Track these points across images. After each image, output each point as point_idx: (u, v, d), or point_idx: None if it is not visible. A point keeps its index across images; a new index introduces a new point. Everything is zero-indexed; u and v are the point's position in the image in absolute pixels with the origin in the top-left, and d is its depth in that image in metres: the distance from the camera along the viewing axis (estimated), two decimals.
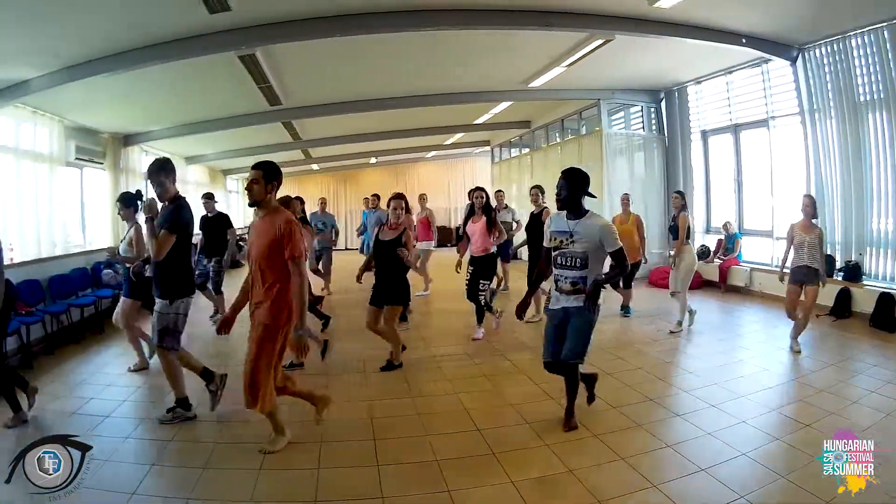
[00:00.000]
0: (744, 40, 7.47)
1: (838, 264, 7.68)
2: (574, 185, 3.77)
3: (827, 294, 7.27)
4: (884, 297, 6.79)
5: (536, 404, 4.49)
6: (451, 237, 18.18)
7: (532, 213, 6.92)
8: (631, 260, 7.28)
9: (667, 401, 4.53)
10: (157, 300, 4.13)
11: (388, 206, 5.53)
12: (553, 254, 3.85)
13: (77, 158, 9.15)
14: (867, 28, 6.97)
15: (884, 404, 4.29)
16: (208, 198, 8.07)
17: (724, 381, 4.94)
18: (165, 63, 6.52)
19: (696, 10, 6.53)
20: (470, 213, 6.69)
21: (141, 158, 11.19)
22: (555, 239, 3.84)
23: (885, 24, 6.74)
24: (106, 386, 5.05)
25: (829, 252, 7.76)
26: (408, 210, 6.29)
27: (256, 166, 3.56)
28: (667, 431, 3.94)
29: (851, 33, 7.19)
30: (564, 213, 3.84)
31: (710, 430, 3.90)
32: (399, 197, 5.52)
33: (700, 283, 9.68)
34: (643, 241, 7.79)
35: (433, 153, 20.38)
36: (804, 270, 5.66)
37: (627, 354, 5.85)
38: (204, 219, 7.79)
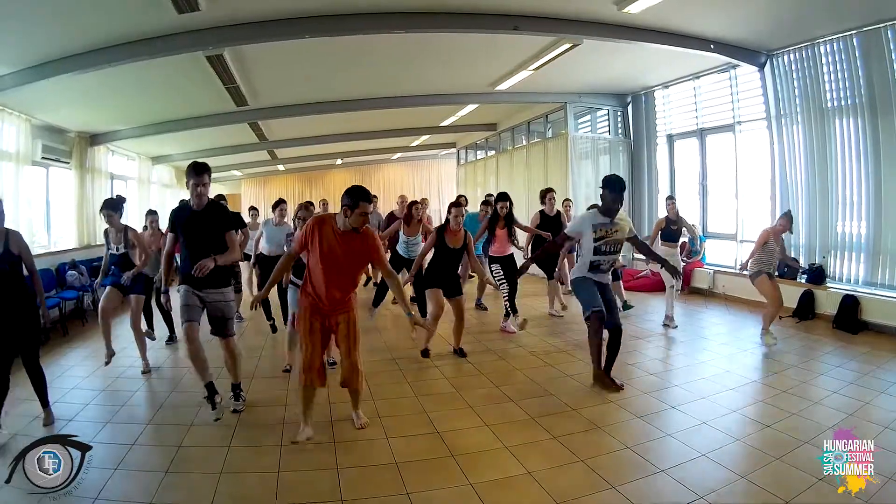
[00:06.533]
0: (712, 46, 7.54)
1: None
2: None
3: (791, 296, 7.45)
4: (847, 300, 6.91)
5: (495, 406, 4.49)
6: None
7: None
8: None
9: (627, 402, 4.53)
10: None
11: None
12: (597, 243, 4.64)
13: (43, 157, 8.96)
14: (836, 35, 7.05)
15: (846, 404, 4.36)
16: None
17: (685, 383, 4.98)
18: (133, 62, 6.44)
19: (664, 16, 6.56)
20: (494, 221, 6.97)
21: (107, 158, 11.05)
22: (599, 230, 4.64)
23: (854, 31, 6.83)
24: (70, 389, 4.96)
25: (793, 255, 7.91)
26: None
27: None
28: (627, 433, 3.95)
29: (820, 40, 7.28)
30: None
31: (670, 432, 3.93)
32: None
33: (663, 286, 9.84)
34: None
35: (399, 155, 20.42)
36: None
37: (588, 356, 5.82)
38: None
